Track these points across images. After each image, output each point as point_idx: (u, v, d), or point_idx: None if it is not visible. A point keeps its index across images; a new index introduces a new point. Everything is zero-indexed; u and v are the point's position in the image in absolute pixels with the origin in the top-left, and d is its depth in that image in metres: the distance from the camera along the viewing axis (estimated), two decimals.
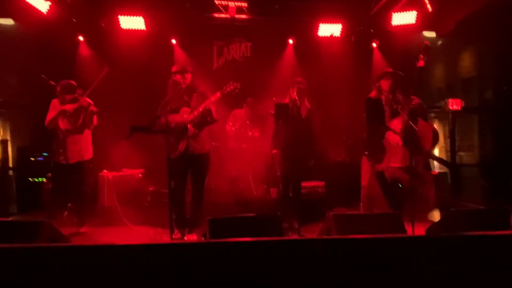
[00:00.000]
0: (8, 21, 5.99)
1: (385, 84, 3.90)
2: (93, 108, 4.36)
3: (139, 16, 5.92)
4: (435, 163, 6.76)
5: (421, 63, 3.37)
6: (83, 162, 4.45)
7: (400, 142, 3.63)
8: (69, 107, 4.31)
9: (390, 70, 4.05)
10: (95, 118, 4.46)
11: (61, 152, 4.35)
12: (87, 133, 4.50)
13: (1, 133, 6.57)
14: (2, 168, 5.67)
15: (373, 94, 4.03)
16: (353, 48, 6.61)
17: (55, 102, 4.40)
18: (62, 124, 4.36)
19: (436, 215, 4.58)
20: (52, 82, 4.32)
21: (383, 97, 3.92)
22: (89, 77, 5.58)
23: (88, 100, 4.42)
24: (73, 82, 4.40)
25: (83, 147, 4.44)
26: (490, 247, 1.83)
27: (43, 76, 4.29)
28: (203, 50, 6.65)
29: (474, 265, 1.78)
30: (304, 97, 4.44)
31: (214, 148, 5.46)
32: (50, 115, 4.35)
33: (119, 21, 5.92)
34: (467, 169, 6.48)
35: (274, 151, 4.62)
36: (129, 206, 5.06)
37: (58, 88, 4.33)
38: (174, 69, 4.09)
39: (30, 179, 5.49)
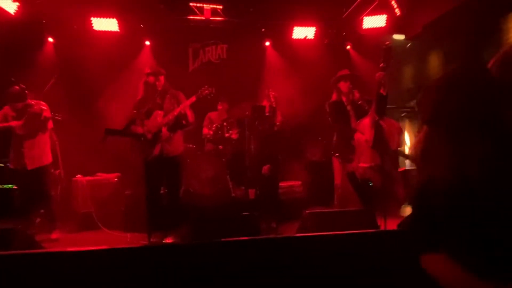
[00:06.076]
0: None
1: (344, 86, 4.00)
2: (46, 114, 4.24)
3: (113, 18, 5.82)
4: (407, 160, 7.00)
5: (383, 64, 3.50)
6: (43, 167, 4.31)
7: (367, 141, 3.73)
8: (15, 123, 4.18)
9: (347, 72, 4.14)
10: (49, 122, 4.36)
11: (19, 158, 4.21)
12: (43, 138, 4.35)
13: None
14: None
15: (334, 97, 4.11)
16: (327, 51, 6.75)
17: (6, 109, 4.24)
18: (17, 130, 4.20)
19: (407, 211, 4.75)
20: (22, 85, 4.18)
21: (344, 98, 4.02)
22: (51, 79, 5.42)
23: (42, 105, 4.29)
24: (20, 88, 4.15)
25: (41, 152, 4.30)
26: None
27: (13, 79, 4.15)
28: (179, 52, 6.61)
29: None
30: (278, 108, 4.53)
31: (191, 150, 5.45)
32: None
33: (91, 23, 5.80)
34: None
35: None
36: (105, 211, 4.97)
37: (6, 97, 4.15)
38: (147, 70, 4.05)
39: None
